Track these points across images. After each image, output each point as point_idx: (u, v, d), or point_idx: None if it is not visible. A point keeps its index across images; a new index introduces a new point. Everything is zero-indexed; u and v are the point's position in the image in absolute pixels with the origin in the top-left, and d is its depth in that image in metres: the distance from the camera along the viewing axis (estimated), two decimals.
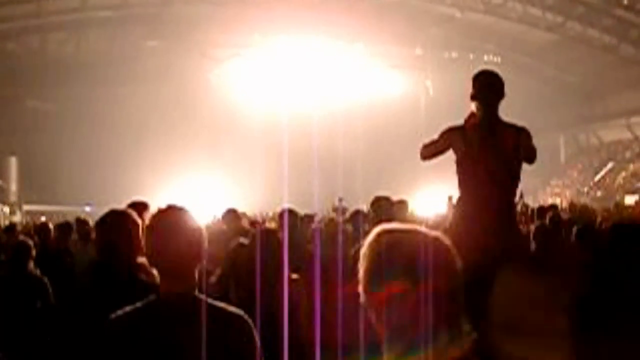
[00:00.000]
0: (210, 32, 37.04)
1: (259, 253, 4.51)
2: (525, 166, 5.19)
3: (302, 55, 38.82)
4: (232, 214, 7.46)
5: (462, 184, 5.13)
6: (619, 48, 38.57)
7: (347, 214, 9.63)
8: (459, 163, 5.13)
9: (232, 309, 2.71)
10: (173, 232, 2.61)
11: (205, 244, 2.68)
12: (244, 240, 5.29)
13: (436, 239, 1.88)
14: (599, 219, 7.38)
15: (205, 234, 2.70)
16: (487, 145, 5.01)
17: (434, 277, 1.79)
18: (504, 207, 5.08)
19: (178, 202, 2.76)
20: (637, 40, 37.70)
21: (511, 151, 5.06)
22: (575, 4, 35.25)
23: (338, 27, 35.40)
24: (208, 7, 35.30)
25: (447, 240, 1.90)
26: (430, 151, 5.28)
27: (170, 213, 2.68)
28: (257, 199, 28.77)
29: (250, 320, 2.69)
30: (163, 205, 2.73)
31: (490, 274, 4.39)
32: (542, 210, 10.00)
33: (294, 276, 4.95)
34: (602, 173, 44.78)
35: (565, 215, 9.68)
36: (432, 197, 19.93)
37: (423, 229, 1.95)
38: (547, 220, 8.20)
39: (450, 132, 5.19)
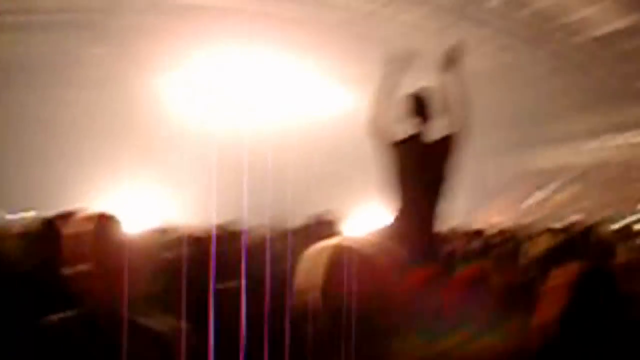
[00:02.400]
0: (156, 41, 36.64)
1: (187, 263, 4.45)
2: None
3: (248, 68, 38.61)
4: (158, 229, 7.34)
5: (393, 201, 5.18)
6: (558, 76, 39.36)
7: (283, 230, 9.60)
8: (390, 181, 5.17)
9: (158, 326, 2.64)
10: (101, 242, 2.54)
11: (134, 257, 2.62)
12: (171, 254, 5.22)
13: (383, 252, 1.87)
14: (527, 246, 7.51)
15: (134, 245, 2.63)
16: (419, 164, 5.07)
17: (379, 290, 1.78)
18: (434, 226, 5.15)
19: (111, 211, 2.68)
20: (575, 68, 38.55)
21: (441, 169, 5.14)
22: (518, 29, 35.84)
23: (286, 41, 35.35)
24: (155, 17, 34.93)
25: (391, 255, 1.89)
26: (379, 113, 5.34)
27: (99, 222, 2.60)
28: (192, 211, 28.54)
29: (176, 338, 2.63)
30: (92, 213, 2.65)
31: (416, 293, 4.46)
32: (471, 234, 10.17)
33: (224, 286, 4.91)
34: (537, 198, 45.57)
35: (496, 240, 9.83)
36: (368, 214, 20.06)
37: (372, 243, 1.94)
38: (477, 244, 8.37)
39: (393, 139, 5.24)
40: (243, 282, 4.89)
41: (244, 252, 7.18)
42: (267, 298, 4.44)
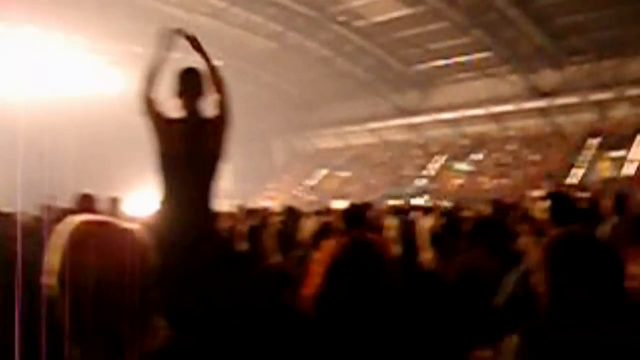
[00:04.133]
0: None
1: None
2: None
3: (17, 44, 36.63)
4: None
5: (163, 182, 5.08)
6: (335, 61, 40.46)
7: (57, 213, 9.23)
8: (160, 160, 5.07)
9: None
10: None
11: None
12: None
13: (131, 232, 1.80)
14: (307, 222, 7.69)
15: None
16: (189, 144, 5.00)
17: (126, 269, 1.71)
18: (205, 206, 5.10)
19: None
20: (351, 54, 39.78)
21: (212, 148, 5.10)
22: (295, 15, 36.43)
23: (56, 18, 33.83)
24: None
25: (143, 235, 1.82)
26: (147, 89, 5.20)
27: None
28: None
29: None
30: None
31: (190, 273, 4.43)
32: (254, 212, 10.29)
33: None
34: (315, 178, 46.82)
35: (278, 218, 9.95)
36: (146, 196, 19.71)
37: (119, 221, 1.87)
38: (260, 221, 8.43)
39: (163, 117, 5.13)
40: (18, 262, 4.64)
41: (20, 233, 6.84)
42: (20, 281, 4.23)
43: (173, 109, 5.24)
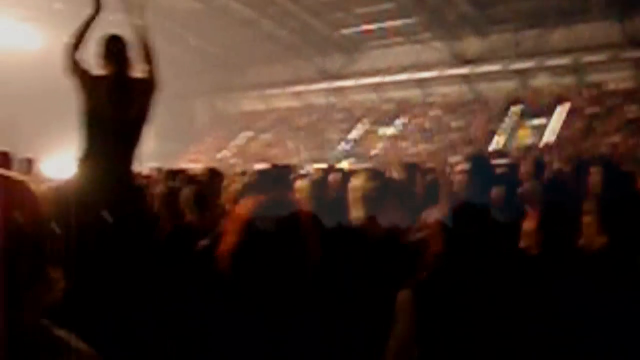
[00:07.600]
0: None
1: None
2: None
3: None
4: None
5: (86, 139, 4.96)
6: (259, 23, 40.09)
7: None
8: (83, 118, 4.94)
9: None
10: None
11: None
12: None
13: (21, 182, 1.71)
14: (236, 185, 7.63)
15: None
16: (114, 102, 4.89)
17: (14, 221, 1.62)
18: (127, 166, 5.02)
19: None
20: (275, 17, 39.47)
21: (137, 110, 5.01)
22: None
23: None
24: None
25: (33, 186, 1.73)
26: (74, 47, 5.03)
27: None
28: None
29: None
30: None
31: (101, 231, 4.33)
32: (173, 173, 10.20)
33: None
34: (237, 141, 46.55)
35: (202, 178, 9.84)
36: (65, 159, 19.24)
37: (12, 173, 1.77)
38: (178, 183, 8.33)
39: (89, 75, 4.99)
40: None
41: None
42: None
43: (100, 70, 5.12)
